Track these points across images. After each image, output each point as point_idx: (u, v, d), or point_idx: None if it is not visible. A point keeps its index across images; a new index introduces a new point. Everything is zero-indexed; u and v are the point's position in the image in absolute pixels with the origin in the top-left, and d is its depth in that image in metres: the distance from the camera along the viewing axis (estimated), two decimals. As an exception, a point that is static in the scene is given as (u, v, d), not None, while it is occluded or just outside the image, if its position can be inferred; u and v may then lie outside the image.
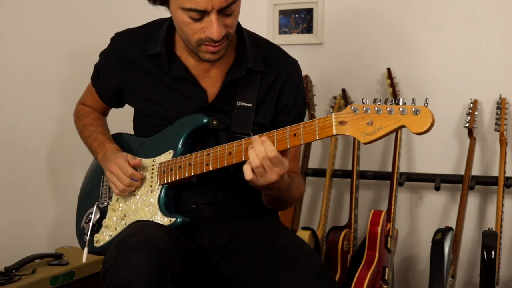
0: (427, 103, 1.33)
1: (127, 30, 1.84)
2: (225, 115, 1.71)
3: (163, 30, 1.74)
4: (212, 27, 1.54)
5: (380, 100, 1.37)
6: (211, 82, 1.74)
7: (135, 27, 1.83)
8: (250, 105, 1.71)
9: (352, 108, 1.38)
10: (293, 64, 1.80)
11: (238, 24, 1.73)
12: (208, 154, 1.60)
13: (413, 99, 1.35)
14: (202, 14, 1.54)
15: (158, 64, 1.74)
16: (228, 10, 1.56)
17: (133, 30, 1.83)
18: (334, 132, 1.40)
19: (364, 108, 1.37)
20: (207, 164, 1.60)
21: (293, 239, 1.69)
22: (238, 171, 1.58)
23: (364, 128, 1.36)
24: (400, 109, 1.33)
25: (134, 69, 1.77)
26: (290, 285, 1.51)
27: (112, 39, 1.84)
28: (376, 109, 1.35)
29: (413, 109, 1.32)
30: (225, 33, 1.58)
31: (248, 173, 1.50)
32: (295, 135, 1.45)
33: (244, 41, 1.73)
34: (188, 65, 1.73)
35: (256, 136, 1.50)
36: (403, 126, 1.33)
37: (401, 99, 1.35)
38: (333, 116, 1.40)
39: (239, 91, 1.72)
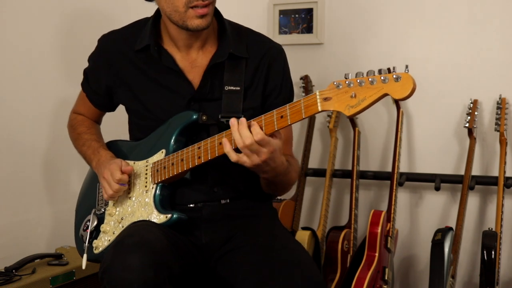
0: (407, 70, 1.34)
1: (113, 31, 1.86)
2: (214, 103, 1.73)
3: (148, 25, 1.77)
4: None
5: (362, 73, 1.38)
6: (197, 74, 1.76)
7: (120, 27, 1.86)
8: (238, 88, 1.73)
9: (335, 83, 1.39)
10: (277, 48, 1.83)
11: (220, 14, 1.78)
12: (199, 148, 1.61)
13: (393, 67, 1.36)
14: None
15: (146, 59, 1.77)
16: None
17: (119, 30, 1.86)
18: (319, 109, 1.41)
19: (347, 82, 1.38)
20: (199, 157, 1.60)
21: (290, 246, 1.67)
22: (233, 164, 1.58)
23: (348, 101, 1.37)
24: (382, 78, 1.34)
25: (122, 67, 1.80)
26: None
27: (98, 41, 1.87)
28: (358, 81, 1.36)
29: (394, 76, 1.32)
30: None
31: (232, 155, 1.53)
32: (282, 117, 1.47)
33: (225, 30, 1.76)
34: (175, 57, 1.76)
35: (242, 119, 1.52)
36: (386, 94, 1.34)
37: (383, 69, 1.36)
38: (317, 93, 1.42)
39: (226, 77, 1.74)
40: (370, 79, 1.35)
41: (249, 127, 1.50)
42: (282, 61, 1.82)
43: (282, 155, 1.59)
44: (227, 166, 1.63)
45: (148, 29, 1.76)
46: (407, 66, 1.35)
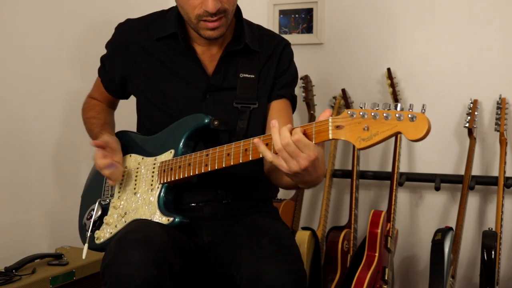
0: (424, 110, 1.31)
1: (129, 20, 1.88)
2: (228, 92, 1.76)
3: (172, 13, 1.79)
4: (207, 1, 1.60)
5: (378, 104, 1.34)
6: (215, 66, 1.78)
7: (136, 17, 1.88)
8: (253, 76, 1.77)
9: (349, 112, 1.36)
10: (285, 41, 1.88)
11: (239, 12, 1.80)
12: (207, 155, 1.60)
13: (410, 105, 1.33)
14: None
15: (164, 49, 1.79)
16: None
17: (136, 19, 1.87)
18: (331, 137, 1.38)
19: (361, 113, 1.34)
20: (206, 165, 1.60)
21: (271, 225, 1.69)
22: (240, 169, 1.57)
23: (360, 133, 1.34)
24: (397, 115, 1.30)
25: (139, 56, 1.81)
26: (255, 265, 1.50)
27: (115, 29, 1.88)
28: (373, 114, 1.33)
29: (409, 116, 1.29)
30: (220, 7, 1.63)
31: (267, 154, 1.44)
32: None
33: (242, 24, 1.80)
34: (196, 49, 1.78)
35: (280, 126, 1.44)
36: (399, 133, 1.31)
37: (399, 105, 1.32)
38: (330, 120, 1.38)
39: (240, 65, 1.78)
40: (384, 114, 1.31)
41: (290, 131, 1.42)
42: (290, 52, 1.87)
43: (324, 165, 1.53)
44: (235, 171, 1.63)
45: (173, 19, 1.78)
46: (424, 106, 1.31)
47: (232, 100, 1.75)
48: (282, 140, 1.40)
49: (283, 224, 1.80)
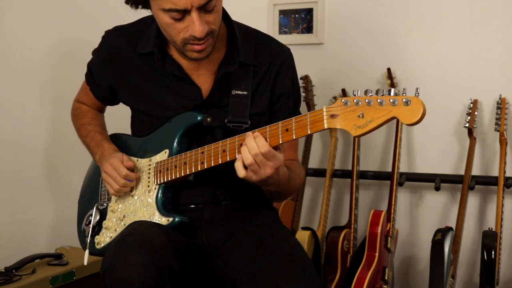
0: (418, 93, 1.30)
1: (117, 28, 1.83)
2: (221, 109, 1.71)
3: (153, 28, 1.73)
4: (194, 25, 1.54)
5: (371, 91, 1.33)
6: (204, 78, 1.74)
7: (125, 24, 1.83)
8: (246, 93, 1.71)
9: (343, 101, 1.36)
10: (285, 52, 1.80)
11: (228, 17, 1.74)
12: (202, 152, 1.60)
13: (403, 89, 1.32)
14: (183, 13, 1.54)
15: (151, 62, 1.74)
16: (208, 7, 1.55)
17: (123, 27, 1.82)
18: (326, 126, 1.38)
19: (355, 101, 1.34)
20: (202, 163, 1.59)
21: (282, 237, 1.68)
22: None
23: (355, 121, 1.33)
24: (391, 100, 1.29)
25: (127, 67, 1.77)
26: (272, 282, 1.50)
27: (103, 37, 1.84)
28: (366, 101, 1.32)
29: (404, 100, 1.28)
30: (208, 30, 1.57)
31: (240, 171, 1.50)
32: (287, 130, 1.44)
33: (235, 35, 1.73)
34: (181, 63, 1.73)
35: (249, 132, 1.50)
36: (394, 118, 1.30)
37: (392, 90, 1.31)
38: (324, 109, 1.38)
39: (233, 83, 1.72)
40: (378, 100, 1.30)
41: (254, 138, 1.47)
42: (290, 67, 1.80)
43: (284, 166, 1.57)
44: (231, 169, 1.63)
45: (153, 33, 1.72)
46: (417, 89, 1.30)
47: (223, 119, 1.70)
48: (251, 150, 1.46)
49: (288, 231, 1.80)
